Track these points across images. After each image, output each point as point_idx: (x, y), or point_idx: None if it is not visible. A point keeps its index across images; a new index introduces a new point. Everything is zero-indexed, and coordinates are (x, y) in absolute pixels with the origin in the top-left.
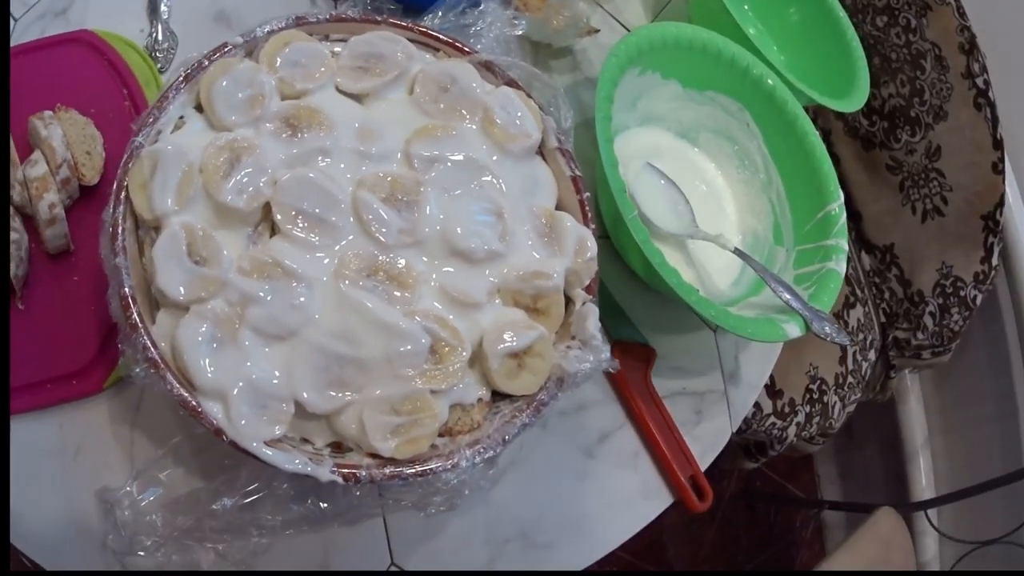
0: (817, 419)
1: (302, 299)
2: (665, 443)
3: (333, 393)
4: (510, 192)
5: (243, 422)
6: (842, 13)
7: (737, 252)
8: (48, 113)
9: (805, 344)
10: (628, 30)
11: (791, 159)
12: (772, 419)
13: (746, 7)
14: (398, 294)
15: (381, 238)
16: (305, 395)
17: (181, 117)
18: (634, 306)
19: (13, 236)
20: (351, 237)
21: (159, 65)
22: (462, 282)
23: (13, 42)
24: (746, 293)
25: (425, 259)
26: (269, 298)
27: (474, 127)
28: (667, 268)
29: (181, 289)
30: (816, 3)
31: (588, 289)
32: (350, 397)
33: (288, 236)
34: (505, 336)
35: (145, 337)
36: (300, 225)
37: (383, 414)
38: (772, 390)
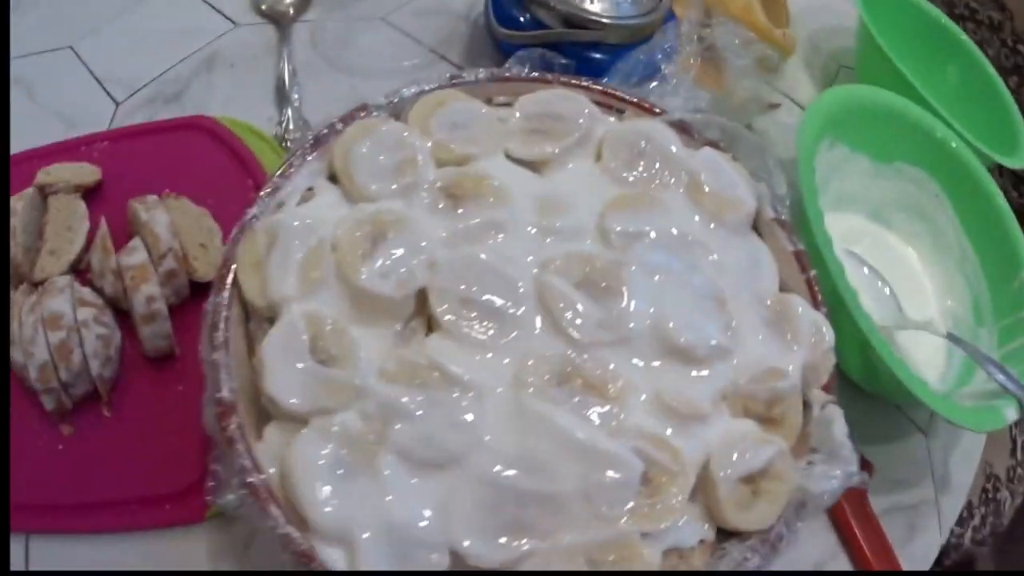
0: (990, 519)
1: (469, 416)
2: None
3: (506, 540)
4: (730, 272)
5: None
6: (992, 70)
7: (950, 337)
8: (152, 197)
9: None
10: (803, 108)
11: (980, 225)
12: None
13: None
14: (599, 407)
15: (575, 334)
16: (467, 543)
17: (310, 188)
18: (849, 416)
19: (102, 331)
20: (535, 334)
21: None
22: (682, 388)
23: (113, 125)
24: (955, 384)
25: (632, 360)
26: (422, 412)
27: (680, 195)
28: (896, 360)
29: (297, 396)
30: (970, 60)
31: (826, 387)
32: (530, 545)
33: (451, 332)
34: (736, 455)
35: (245, 456)
36: (467, 318)
37: (575, 566)
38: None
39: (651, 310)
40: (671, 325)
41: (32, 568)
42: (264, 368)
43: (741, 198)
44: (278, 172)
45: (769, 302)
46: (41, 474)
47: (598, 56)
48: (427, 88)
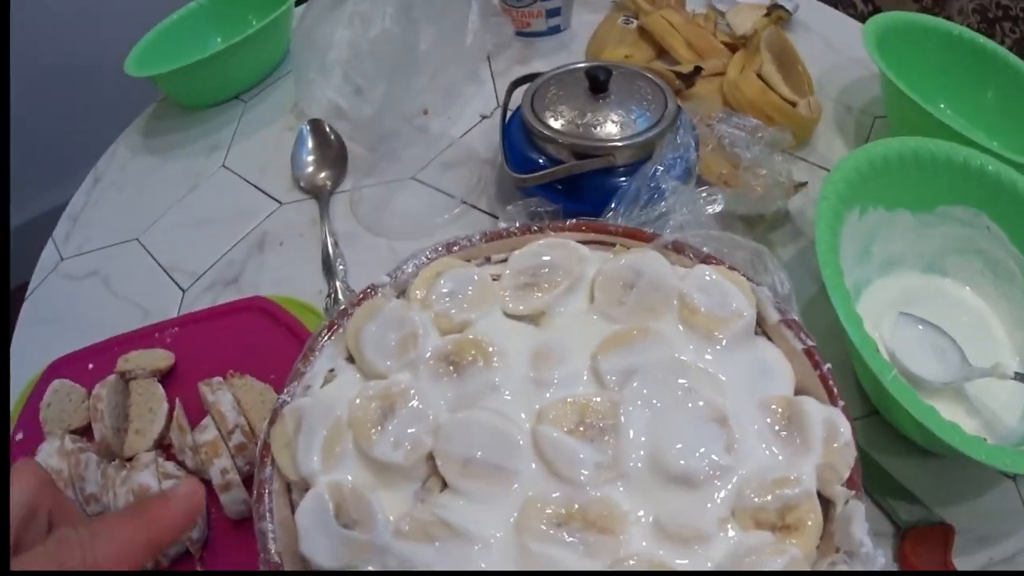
0: None
1: (478, 562)
2: None
3: None
4: (734, 388)
5: None
6: None
7: (1018, 376)
8: (217, 379)
9: None
10: None
11: None
12: None
13: (942, 105)
14: (599, 542)
15: (574, 478)
16: None
17: (331, 370)
18: (921, 481)
19: None
20: (536, 481)
21: None
22: (683, 512)
23: (181, 309)
24: None
25: (632, 495)
26: (436, 563)
27: (672, 321)
28: (944, 425)
29: (328, 556)
30: (1009, 73)
31: (850, 483)
32: None
33: (457, 490)
34: (744, 570)
35: None
36: (470, 476)
37: None
38: None
39: (648, 442)
40: (669, 454)
41: None
42: (299, 533)
43: (737, 311)
44: (301, 358)
45: (776, 409)
46: None
47: (614, 179)
48: (424, 260)
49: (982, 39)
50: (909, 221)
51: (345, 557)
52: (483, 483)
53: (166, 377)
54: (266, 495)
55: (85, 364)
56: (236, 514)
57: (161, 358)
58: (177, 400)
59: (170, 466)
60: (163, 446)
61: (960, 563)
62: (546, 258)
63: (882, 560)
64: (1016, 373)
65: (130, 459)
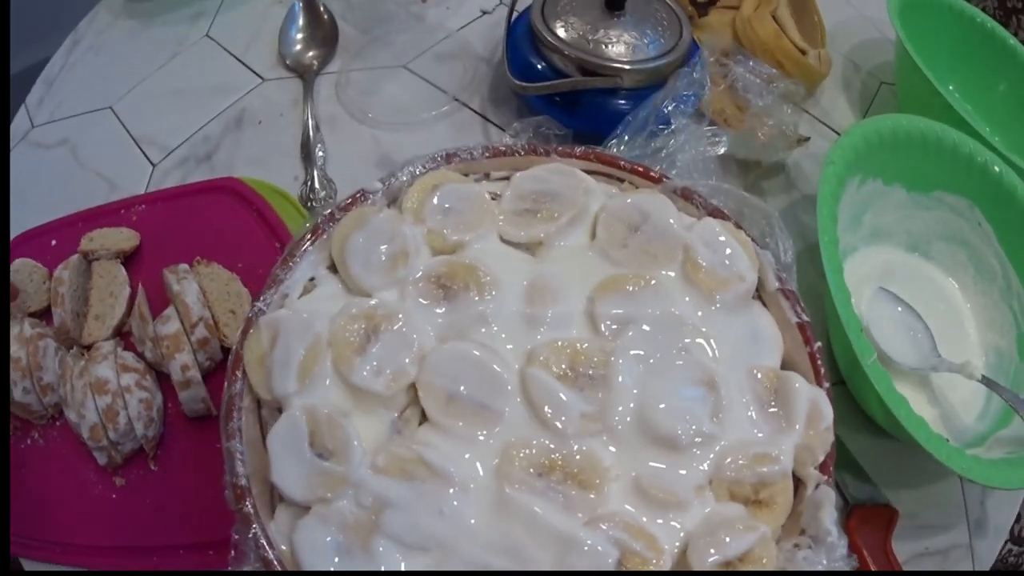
0: None
1: (454, 504)
2: None
3: None
4: (724, 353)
5: None
6: None
7: (985, 381)
8: (183, 267)
9: None
10: (839, 135)
11: None
12: (1009, 545)
13: (951, 87)
14: (578, 496)
15: (559, 426)
16: None
17: (312, 279)
18: (874, 460)
19: (144, 395)
20: (520, 426)
21: None
22: (663, 476)
23: (151, 188)
24: (994, 426)
25: (615, 450)
26: (410, 502)
27: (674, 274)
28: (914, 420)
29: (299, 486)
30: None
31: (823, 467)
32: None
33: (439, 426)
34: (715, 542)
35: (260, 533)
36: (454, 413)
37: None
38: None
39: (637, 398)
40: (656, 414)
41: None
42: (270, 459)
43: (740, 273)
44: (280, 264)
45: (765, 381)
46: (96, 519)
47: (617, 102)
48: (421, 170)
49: (1003, 31)
50: (903, 198)
51: (318, 489)
52: (466, 422)
53: (130, 259)
54: (235, 412)
55: (48, 240)
56: (193, 412)
57: (126, 239)
58: (140, 286)
59: (129, 357)
60: (122, 334)
61: (898, 547)
62: (550, 185)
63: (843, 551)
64: (984, 377)
65: (89, 347)
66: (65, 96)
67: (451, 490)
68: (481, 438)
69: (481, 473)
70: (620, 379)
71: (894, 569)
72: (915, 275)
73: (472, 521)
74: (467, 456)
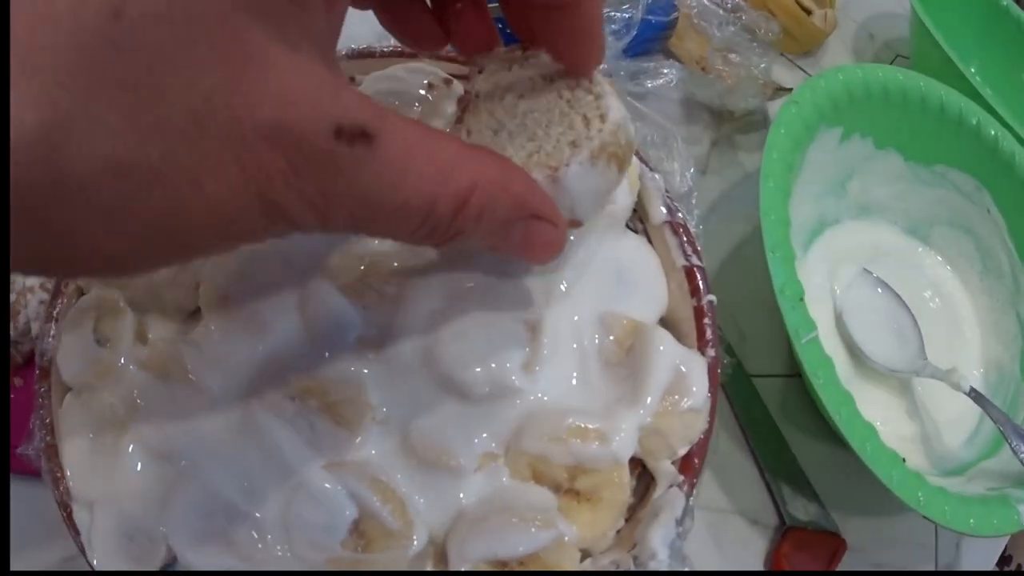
0: None
1: (200, 416)
2: None
3: (213, 551)
4: (572, 291)
5: (101, 546)
6: None
7: (973, 395)
8: None
9: None
10: None
11: None
12: None
13: (973, 69)
14: (328, 433)
15: (328, 344)
16: (175, 541)
17: None
18: (826, 474)
19: (45, 296)
20: (288, 340)
21: None
22: (441, 429)
23: None
24: (981, 455)
25: (388, 385)
26: (160, 405)
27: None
28: (858, 425)
29: (72, 369)
30: None
31: (685, 465)
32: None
33: (208, 325)
34: (488, 532)
35: (46, 416)
36: (226, 313)
37: None
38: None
39: (430, 327)
40: (447, 348)
41: None
42: (60, 341)
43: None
44: None
45: (614, 334)
46: None
47: None
48: None
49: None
50: (899, 167)
51: (87, 375)
52: (234, 325)
53: None
54: (62, 297)
55: None
56: None
57: None
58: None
59: None
60: None
61: None
62: (401, 85)
63: None
64: (972, 390)
65: None
66: None
67: (201, 400)
68: (244, 347)
69: (235, 385)
70: (417, 302)
71: None
72: (909, 261)
73: (215, 440)
74: (225, 363)
